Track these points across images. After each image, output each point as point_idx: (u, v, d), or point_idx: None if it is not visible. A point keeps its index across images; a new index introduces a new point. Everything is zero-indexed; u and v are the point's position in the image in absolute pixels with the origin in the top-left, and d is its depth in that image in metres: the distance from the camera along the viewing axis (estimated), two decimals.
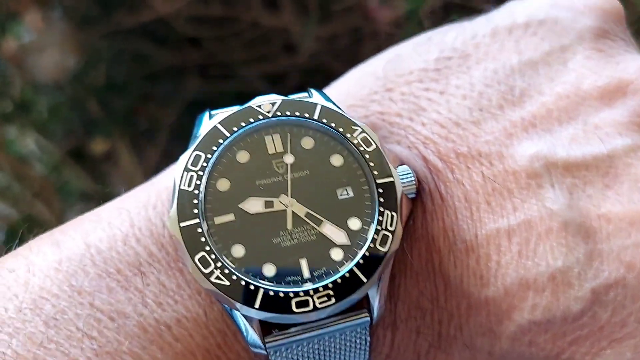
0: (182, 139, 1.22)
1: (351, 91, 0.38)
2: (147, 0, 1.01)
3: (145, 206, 0.33)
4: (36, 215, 1.09)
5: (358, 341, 0.32)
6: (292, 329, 0.30)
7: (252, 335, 0.30)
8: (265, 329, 0.30)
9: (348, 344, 0.32)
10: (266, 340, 0.30)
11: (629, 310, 0.30)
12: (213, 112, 0.34)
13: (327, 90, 0.39)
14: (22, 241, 0.34)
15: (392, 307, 0.32)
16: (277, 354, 0.31)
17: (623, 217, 0.30)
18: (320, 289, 0.30)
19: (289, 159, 0.32)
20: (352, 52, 1.09)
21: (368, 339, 0.32)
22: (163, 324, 0.30)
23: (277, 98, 0.33)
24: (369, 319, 0.31)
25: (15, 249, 0.33)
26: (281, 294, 0.29)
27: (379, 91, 0.37)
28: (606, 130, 0.32)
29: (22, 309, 0.29)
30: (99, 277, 0.30)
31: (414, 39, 0.39)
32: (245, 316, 0.30)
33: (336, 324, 0.31)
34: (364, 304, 0.31)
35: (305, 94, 0.35)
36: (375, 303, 0.31)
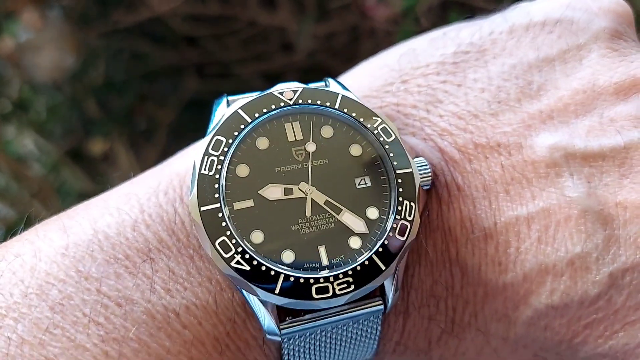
0: (180, 138, 1.22)
1: (365, 82, 0.38)
2: None
3: (156, 192, 0.33)
4: (34, 215, 1.08)
5: (369, 329, 0.32)
6: (307, 316, 0.31)
7: (269, 321, 0.30)
8: (281, 315, 0.30)
9: (360, 331, 0.32)
10: (281, 327, 0.30)
11: None
12: (230, 98, 0.34)
13: (341, 79, 0.39)
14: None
15: (405, 295, 0.33)
16: (291, 341, 0.31)
17: (639, 205, 0.31)
18: (340, 275, 0.30)
19: (310, 147, 0.33)
20: (350, 51, 1.10)
21: (379, 327, 0.32)
22: (171, 310, 0.30)
23: (299, 86, 0.34)
24: (382, 307, 0.31)
25: (20, 233, 0.33)
26: (301, 280, 0.29)
27: (395, 82, 0.37)
28: (622, 123, 0.33)
29: (28, 294, 0.29)
30: (106, 263, 0.30)
31: (427, 34, 0.40)
32: (262, 301, 0.30)
33: (350, 312, 0.31)
34: (377, 292, 0.32)
35: (322, 83, 0.35)
36: (390, 292, 0.31)
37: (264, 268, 0.29)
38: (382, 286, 0.31)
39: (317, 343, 0.32)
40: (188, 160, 0.34)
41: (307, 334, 0.31)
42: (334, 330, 0.32)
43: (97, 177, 1.19)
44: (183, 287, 0.30)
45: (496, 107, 0.35)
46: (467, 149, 0.34)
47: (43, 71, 1.14)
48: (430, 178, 0.33)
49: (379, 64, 0.39)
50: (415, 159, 0.33)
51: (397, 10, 0.94)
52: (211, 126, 0.32)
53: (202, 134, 0.35)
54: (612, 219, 0.31)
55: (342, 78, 0.40)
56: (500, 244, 0.32)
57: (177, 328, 0.29)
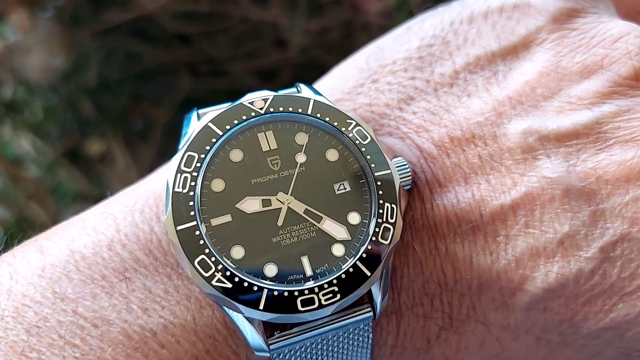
0: (176, 138, 1.22)
1: (336, 85, 0.38)
2: None
3: (132, 211, 0.33)
4: (31, 217, 1.08)
5: (361, 337, 0.32)
6: (295, 329, 0.30)
7: (256, 338, 0.30)
8: (267, 330, 0.30)
9: (351, 340, 0.32)
10: (269, 342, 0.30)
11: (637, 263, 0.31)
12: (201, 111, 0.33)
13: (316, 86, 0.39)
14: (7, 246, 0.33)
15: (396, 296, 0.33)
16: (281, 356, 0.30)
17: (619, 176, 0.31)
18: (325, 285, 0.29)
19: (300, 157, 0.32)
20: (344, 45, 1.09)
21: (371, 334, 0.32)
22: (148, 330, 0.29)
23: (269, 94, 0.33)
24: (371, 314, 0.31)
25: None
26: (285, 294, 0.29)
27: (365, 83, 0.37)
28: (590, 100, 0.34)
29: (4, 317, 0.29)
30: (83, 284, 0.30)
31: (393, 31, 0.40)
32: (247, 318, 0.29)
33: (339, 321, 0.30)
34: (365, 299, 0.31)
35: (294, 89, 0.35)
36: (378, 297, 0.31)
37: (246, 284, 0.29)
38: (370, 292, 0.31)
39: (309, 356, 0.31)
40: (164, 177, 0.34)
41: (297, 348, 0.30)
42: (325, 342, 0.31)
43: (94, 178, 1.18)
44: (160, 306, 0.30)
45: (466, 99, 0.35)
46: (443, 143, 0.34)
47: (33, 72, 1.13)
48: (410, 177, 0.32)
49: (349, 66, 0.39)
50: (394, 159, 0.33)
51: (390, 3, 0.94)
52: (182, 142, 0.32)
53: None
54: (594, 193, 0.31)
55: (317, 83, 0.40)
56: (489, 233, 0.32)
57: (155, 347, 0.29)
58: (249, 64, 1.11)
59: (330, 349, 0.32)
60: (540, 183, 0.32)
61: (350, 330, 0.31)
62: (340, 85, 0.38)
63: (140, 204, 0.33)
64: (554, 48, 0.36)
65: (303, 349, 0.31)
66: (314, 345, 0.31)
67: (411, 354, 0.34)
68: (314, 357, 0.31)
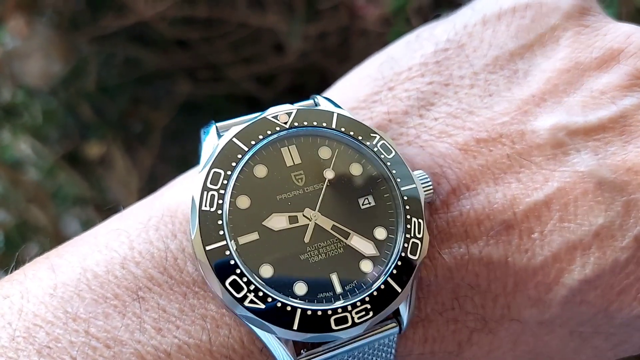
0: (175, 141, 1.22)
1: (350, 94, 0.37)
2: (128, 4, 1.01)
3: (146, 228, 0.32)
4: (32, 220, 1.09)
5: (384, 352, 0.31)
6: (323, 347, 0.29)
7: (286, 358, 0.29)
8: (296, 349, 0.29)
9: (375, 357, 0.31)
10: None
11: None
12: (219, 124, 0.32)
13: (328, 95, 0.38)
14: (9, 251, 0.33)
15: (422, 306, 0.32)
16: None
17: None
18: (358, 303, 0.29)
19: (329, 174, 0.31)
20: (343, 50, 1.10)
21: (395, 347, 0.31)
22: (162, 351, 0.28)
23: (292, 108, 0.32)
24: (397, 329, 0.31)
25: (11, 272, 0.32)
26: (319, 312, 0.28)
27: (381, 91, 0.36)
28: (612, 94, 0.34)
29: (15, 338, 0.28)
30: (95, 303, 0.29)
31: (402, 39, 0.40)
32: (279, 338, 0.29)
33: (366, 338, 0.30)
34: (390, 314, 0.31)
35: (311, 102, 0.34)
36: (405, 312, 0.31)
37: (279, 304, 0.28)
38: (398, 309, 0.31)
39: None
40: (179, 192, 0.33)
41: None
42: (350, 359, 0.31)
43: (94, 181, 1.19)
44: (175, 326, 0.29)
45: (489, 100, 0.35)
46: (469, 146, 0.34)
47: (31, 78, 1.14)
48: (432, 191, 0.32)
49: (360, 75, 0.38)
50: (416, 172, 0.32)
51: (387, 10, 0.95)
52: (203, 157, 0.31)
53: (196, 136, 0.34)
54: (626, 184, 0.32)
55: (328, 92, 0.39)
56: (524, 231, 0.32)
57: None
58: (247, 69, 1.11)
59: None
60: (572, 177, 0.32)
61: (376, 346, 0.31)
62: (354, 95, 0.37)
63: (155, 221, 0.32)
64: (571, 45, 0.36)
65: None
66: None
67: (441, 358, 0.34)
68: None
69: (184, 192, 0.33)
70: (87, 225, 1.16)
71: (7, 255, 1.03)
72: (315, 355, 0.30)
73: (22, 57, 1.13)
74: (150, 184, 1.17)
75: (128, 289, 0.30)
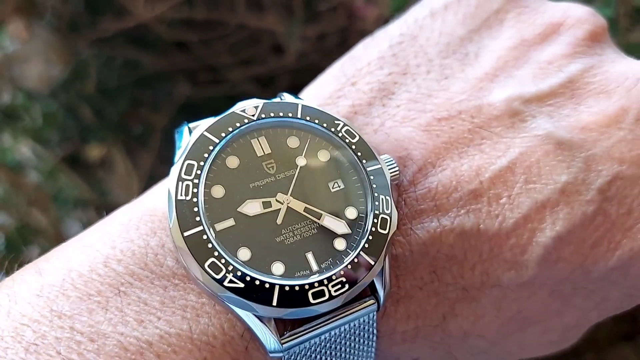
0: (174, 143, 1.22)
1: (316, 94, 0.39)
2: (127, 6, 1.01)
3: (127, 227, 0.33)
4: (33, 223, 1.09)
5: (366, 331, 0.32)
6: (304, 327, 0.31)
7: (270, 338, 0.30)
8: (279, 330, 0.31)
9: (357, 336, 0.32)
10: (282, 341, 0.30)
11: (631, 197, 0.33)
12: (191, 124, 0.34)
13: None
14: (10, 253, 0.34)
15: (401, 283, 0.33)
16: (292, 357, 0.31)
17: (601, 123, 0.34)
18: (333, 277, 0.30)
19: (301, 161, 0.33)
20: (342, 51, 1.10)
21: (375, 324, 0.33)
22: (144, 341, 0.30)
23: (259, 102, 0.34)
24: (376, 305, 0.32)
25: (1, 280, 0.33)
26: (297, 288, 0.30)
27: (344, 87, 0.39)
28: (558, 63, 0.37)
29: (4, 337, 0.29)
30: (79, 300, 0.30)
31: (360, 42, 0.43)
32: (260, 318, 0.30)
33: (346, 316, 0.31)
34: (367, 291, 0.32)
35: (277, 99, 0.36)
36: (380, 287, 0.32)
37: (257, 282, 0.29)
38: (372, 284, 0.32)
39: (318, 357, 0.32)
40: (158, 193, 0.35)
41: (307, 347, 0.31)
42: (333, 339, 0.32)
43: (95, 184, 1.19)
44: (157, 317, 0.30)
45: (445, 82, 0.37)
46: (431, 126, 0.35)
47: (30, 81, 1.14)
48: (397, 172, 0.34)
49: (324, 78, 0.41)
50: (382, 157, 0.34)
51: (386, 10, 0.95)
52: (178, 153, 0.33)
53: None
54: (583, 142, 0.34)
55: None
56: (492, 197, 0.33)
57: (150, 358, 0.29)
58: (246, 70, 1.11)
59: (337, 347, 0.32)
60: (533, 141, 0.34)
61: (356, 325, 0.32)
62: (319, 93, 0.39)
63: (136, 221, 0.34)
64: (515, 25, 0.39)
65: (313, 349, 0.31)
66: (323, 344, 0.32)
67: (426, 334, 0.34)
68: (324, 354, 0.32)
69: (161, 193, 0.35)
70: (88, 227, 1.16)
71: (7, 258, 1.03)
72: (297, 335, 0.31)
73: (21, 60, 1.14)
74: (151, 186, 1.17)
75: (111, 285, 0.31)
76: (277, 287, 0.30)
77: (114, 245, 0.33)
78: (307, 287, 0.30)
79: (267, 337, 0.30)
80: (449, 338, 0.35)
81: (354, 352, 0.33)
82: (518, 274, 0.33)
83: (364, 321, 0.32)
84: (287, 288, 0.30)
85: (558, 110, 0.36)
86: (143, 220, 0.34)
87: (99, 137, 1.19)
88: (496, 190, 0.33)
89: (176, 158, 0.33)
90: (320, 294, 0.30)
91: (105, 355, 0.29)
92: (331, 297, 0.30)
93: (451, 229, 0.33)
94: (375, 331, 0.33)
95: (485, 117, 0.35)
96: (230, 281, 0.29)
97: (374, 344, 0.33)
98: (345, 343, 0.33)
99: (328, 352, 0.32)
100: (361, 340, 0.33)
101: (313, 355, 0.32)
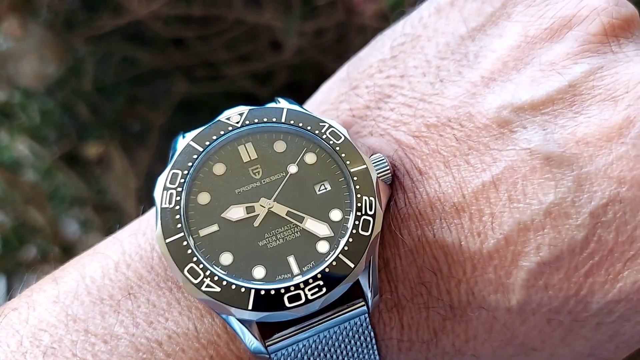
0: (172, 140, 1.22)
1: (322, 99, 0.39)
2: (123, 2, 1.00)
3: (136, 234, 0.35)
4: (30, 222, 1.08)
5: (362, 335, 0.32)
6: (291, 329, 0.31)
7: (253, 341, 0.31)
8: (266, 333, 0.31)
9: (353, 340, 0.32)
10: (267, 343, 0.31)
11: (633, 224, 0.30)
12: (187, 134, 0.35)
13: (305, 104, 0.41)
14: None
15: (393, 288, 0.33)
16: (282, 358, 0.31)
17: (600, 136, 0.30)
18: (310, 280, 0.30)
19: (292, 168, 0.33)
20: (340, 47, 1.10)
21: (370, 328, 0.32)
22: (154, 341, 0.31)
23: (244, 109, 0.35)
24: (365, 307, 0.31)
25: (20, 292, 0.35)
26: (272, 292, 0.30)
27: (346, 91, 0.38)
28: (562, 64, 0.33)
29: (23, 342, 0.31)
30: (93, 305, 0.32)
31: (371, 41, 0.41)
32: (242, 321, 0.30)
33: (333, 318, 0.31)
34: (358, 294, 0.31)
35: (273, 103, 0.36)
36: (368, 291, 0.31)
37: (234, 287, 0.30)
38: (360, 287, 0.31)
39: (311, 357, 0.32)
40: None
41: (295, 348, 0.31)
42: (324, 341, 0.32)
43: (92, 182, 1.19)
44: (164, 318, 0.32)
45: (440, 86, 0.35)
46: (420, 132, 0.34)
47: (25, 79, 1.14)
48: (388, 171, 0.33)
49: (333, 80, 0.40)
50: (372, 156, 0.33)
51: (384, 5, 0.94)
52: (168, 162, 0.34)
53: None
54: (576, 157, 0.30)
55: (308, 100, 0.41)
56: (474, 214, 0.31)
57: (161, 357, 0.31)
58: (244, 67, 1.11)
59: (333, 350, 0.32)
60: (519, 155, 0.31)
61: (349, 328, 0.32)
62: (326, 98, 0.39)
63: (144, 227, 0.35)
64: (522, 19, 0.35)
65: (304, 350, 0.31)
66: (314, 346, 0.32)
67: (420, 347, 0.34)
68: (317, 357, 0.32)
69: None
70: (85, 225, 1.16)
71: (4, 258, 1.03)
72: (284, 337, 0.31)
73: (16, 58, 1.13)
74: (149, 184, 1.16)
75: (121, 288, 0.33)
76: (252, 291, 0.30)
77: (123, 250, 0.34)
78: (282, 290, 0.30)
79: (251, 340, 0.31)
80: (442, 354, 0.34)
81: (354, 356, 0.33)
82: (504, 297, 0.31)
83: (356, 324, 0.32)
84: (262, 292, 0.30)
85: (554, 120, 0.32)
86: (150, 226, 0.35)
87: (96, 135, 1.19)
88: (479, 206, 0.31)
89: (166, 166, 0.35)
90: (297, 297, 0.30)
91: (118, 355, 0.30)
92: (308, 301, 0.30)
93: (434, 241, 0.32)
94: (372, 334, 0.32)
95: (474, 126, 0.33)
96: (208, 285, 0.30)
97: (374, 348, 0.33)
98: (341, 346, 0.32)
99: (324, 355, 0.32)
100: (359, 344, 0.32)
101: (307, 356, 0.32)
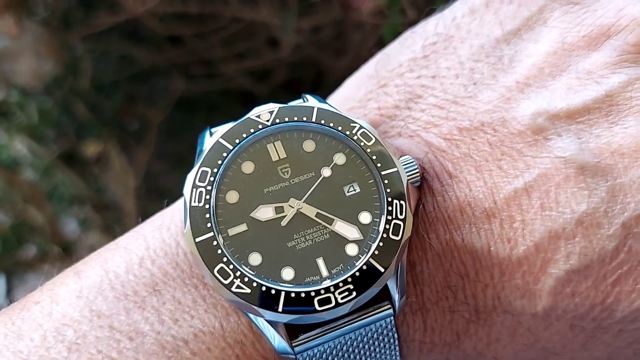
0: (171, 138, 1.22)
1: (349, 95, 0.39)
2: (120, 0, 1.00)
3: (160, 229, 0.34)
4: (29, 221, 1.08)
5: (386, 337, 0.32)
6: (317, 330, 0.31)
7: (280, 342, 0.30)
8: (292, 333, 0.31)
9: (377, 341, 0.32)
10: (293, 344, 0.31)
11: None
12: (213, 129, 0.34)
13: (329, 99, 0.40)
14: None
15: (419, 292, 0.33)
16: (307, 359, 0.31)
17: (636, 148, 0.30)
18: (340, 284, 0.30)
19: (326, 172, 0.33)
20: (338, 44, 1.10)
21: (395, 330, 0.32)
22: (180, 339, 0.31)
23: (274, 106, 0.34)
24: (391, 310, 0.31)
25: (41, 284, 0.35)
26: (302, 294, 0.30)
27: (374, 89, 0.37)
28: (599, 73, 0.33)
29: (46, 337, 0.30)
30: (117, 300, 0.31)
31: (400, 36, 0.40)
32: (270, 322, 0.30)
33: (360, 320, 0.31)
34: (384, 296, 0.32)
35: (300, 100, 0.36)
36: (395, 294, 0.31)
37: (264, 288, 0.30)
38: (387, 290, 0.31)
39: (336, 358, 0.32)
40: None
41: (322, 349, 0.31)
42: (349, 342, 0.32)
43: (91, 180, 1.18)
44: (190, 316, 0.31)
45: (473, 89, 0.35)
46: (452, 135, 0.34)
47: (22, 78, 1.13)
48: (418, 174, 0.33)
49: (360, 75, 0.39)
50: (401, 158, 0.33)
51: (382, 1, 0.94)
52: (197, 159, 0.33)
53: (193, 133, 0.35)
54: (611, 168, 0.30)
55: (331, 95, 0.40)
56: (505, 220, 0.31)
57: (187, 355, 0.30)
58: (241, 64, 1.11)
59: (357, 351, 0.32)
60: (554, 163, 0.31)
61: (374, 330, 0.32)
62: (353, 95, 0.38)
63: (167, 222, 0.35)
64: (559, 25, 0.35)
65: (329, 351, 0.31)
66: (339, 347, 0.32)
67: (442, 349, 0.34)
68: (342, 358, 0.32)
69: None
70: (85, 224, 1.16)
71: (4, 257, 1.03)
72: (310, 338, 0.31)
73: (12, 56, 1.13)
74: (147, 182, 1.16)
75: (146, 285, 0.32)
76: (283, 293, 0.30)
77: (147, 246, 0.34)
78: (313, 293, 0.30)
79: (278, 340, 0.30)
80: (463, 356, 0.34)
81: (377, 357, 0.32)
82: (531, 303, 0.31)
83: (381, 326, 0.32)
84: (293, 294, 0.30)
85: (589, 129, 0.32)
86: (174, 221, 0.34)
87: (94, 134, 1.18)
88: (510, 212, 0.31)
89: (195, 164, 0.33)
90: (327, 300, 0.30)
91: (143, 353, 0.30)
92: (337, 304, 0.30)
93: (462, 246, 0.32)
94: (396, 336, 0.32)
95: (508, 132, 0.33)
96: (238, 286, 0.30)
97: (397, 349, 0.33)
98: (365, 347, 0.32)
99: (347, 356, 0.32)
100: (382, 345, 0.32)
101: (332, 357, 0.32)
